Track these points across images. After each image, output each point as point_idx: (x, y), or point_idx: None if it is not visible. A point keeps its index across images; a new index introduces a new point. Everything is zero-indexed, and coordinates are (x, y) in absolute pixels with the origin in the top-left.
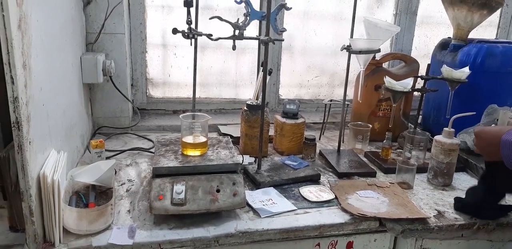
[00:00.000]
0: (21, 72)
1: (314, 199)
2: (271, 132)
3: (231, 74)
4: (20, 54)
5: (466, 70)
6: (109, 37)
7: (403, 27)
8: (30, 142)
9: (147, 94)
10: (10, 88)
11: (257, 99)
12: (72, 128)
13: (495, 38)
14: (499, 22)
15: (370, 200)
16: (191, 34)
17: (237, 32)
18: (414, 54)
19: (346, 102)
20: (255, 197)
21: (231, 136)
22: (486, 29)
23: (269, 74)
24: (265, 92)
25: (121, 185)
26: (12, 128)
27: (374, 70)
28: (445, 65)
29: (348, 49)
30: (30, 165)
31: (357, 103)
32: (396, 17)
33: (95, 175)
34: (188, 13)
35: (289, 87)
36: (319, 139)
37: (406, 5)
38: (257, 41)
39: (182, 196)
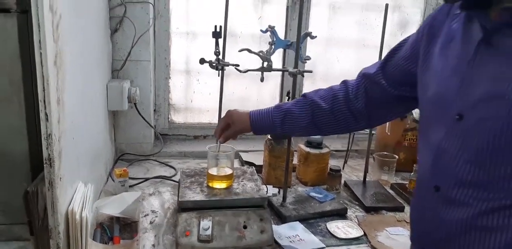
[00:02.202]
0: (55, 108)
1: (343, 236)
2: (294, 160)
3: (253, 100)
4: (55, 90)
5: None
6: (134, 64)
7: None
8: (60, 178)
9: (169, 119)
10: (44, 125)
11: None
12: (97, 157)
13: None
14: None
15: (400, 238)
16: (220, 65)
17: (265, 64)
18: None
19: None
20: (282, 233)
21: (254, 165)
22: None
23: (287, 95)
24: None
25: (145, 216)
26: (44, 165)
27: None
28: None
29: None
30: (59, 202)
31: (382, 133)
32: None
33: (120, 207)
34: (217, 44)
35: None
36: (343, 168)
37: None
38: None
39: (209, 232)
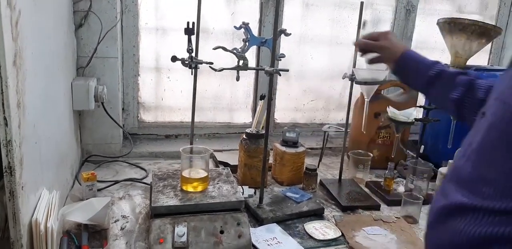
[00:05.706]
0: (15, 112)
1: (321, 237)
2: (270, 160)
3: (226, 98)
4: (15, 93)
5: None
6: (101, 61)
7: None
8: (22, 187)
9: (139, 118)
10: (2, 131)
11: (256, 127)
12: (62, 160)
13: (490, 65)
14: (491, 48)
15: (378, 238)
16: (193, 63)
17: (241, 62)
18: None
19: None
20: (259, 236)
21: (228, 165)
22: (479, 55)
23: (261, 99)
24: (269, 123)
25: (115, 222)
26: (4, 174)
27: (373, 97)
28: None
29: (352, 78)
30: (22, 212)
31: (356, 130)
32: None
33: (88, 214)
34: (189, 41)
35: (285, 110)
36: (318, 166)
37: (402, 30)
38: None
39: (184, 238)
